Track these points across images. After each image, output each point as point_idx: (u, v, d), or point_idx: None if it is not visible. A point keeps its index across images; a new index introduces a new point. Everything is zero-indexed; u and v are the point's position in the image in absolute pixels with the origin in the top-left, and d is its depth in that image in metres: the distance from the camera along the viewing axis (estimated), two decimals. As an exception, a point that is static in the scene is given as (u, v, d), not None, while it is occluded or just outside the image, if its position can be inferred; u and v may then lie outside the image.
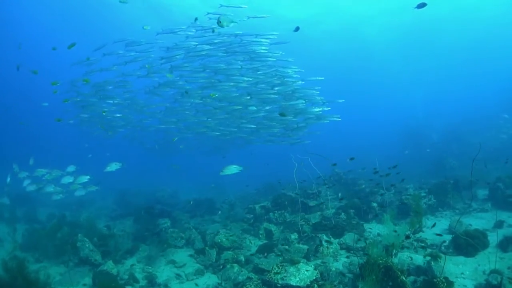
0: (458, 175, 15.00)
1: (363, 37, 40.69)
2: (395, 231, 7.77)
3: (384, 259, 6.07)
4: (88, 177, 12.31)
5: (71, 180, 12.20)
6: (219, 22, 7.11)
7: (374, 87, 59.58)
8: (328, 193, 13.29)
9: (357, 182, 15.80)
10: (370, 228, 10.46)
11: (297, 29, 11.90)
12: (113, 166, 11.29)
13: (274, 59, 13.70)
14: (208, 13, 12.71)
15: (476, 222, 10.15)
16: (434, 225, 8.97)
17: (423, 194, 12.51)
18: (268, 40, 13.36)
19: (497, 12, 35.35)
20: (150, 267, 9.04)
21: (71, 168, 12.56)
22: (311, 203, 12.39)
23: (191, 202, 14.49)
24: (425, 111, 39.97)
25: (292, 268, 6.36)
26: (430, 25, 37.72)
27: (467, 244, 7.70)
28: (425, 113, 37.51)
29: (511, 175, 12.57)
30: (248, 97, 14.23)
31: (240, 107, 14.72)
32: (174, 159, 24.39)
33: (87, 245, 9.37)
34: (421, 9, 10.72)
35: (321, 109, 14.35)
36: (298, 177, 11.24)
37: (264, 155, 24.58)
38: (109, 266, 8.63)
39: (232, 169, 9.48)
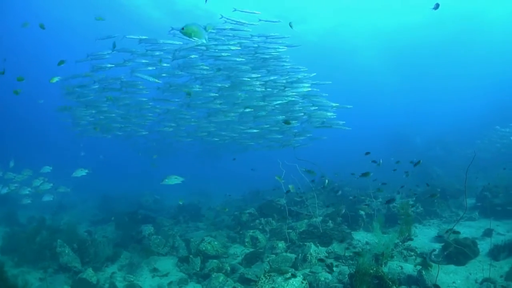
0: (445, 183, 15.03)
1: (353, 48, 41.33)
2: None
3: (375, 269, 5.88)
4: (51, 184, 12.01)
5: (38, 184, 11.87)
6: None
7: (361, 96, 60.21)
8: (316, 200, 13.10)
9: (344, 190, 15.68)
10: (364, 237, 10.28)
11: (290, 25, 12.19)
12: (79, 172, 11.00)
13: (288, 65, 13.93)
14: (221, 17, 12.72)
15: (464, 230, 10.07)
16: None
17: (410, 203, 12.44)
18: (285, 47, 13.47)
19: (494, 26, 36.34)
20: (131, 276, 8.70)
21: (46, 169, 12.17)
22: (298, 211, 12.20)
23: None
24: (411, 120, 40.48)
25: (280, 278, 6.11)
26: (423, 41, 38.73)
27: (457, 252, 7.59)
28: (410, 122, 37.97)
29: (498, 184, 12.63)
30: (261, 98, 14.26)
31: (251, 109, 14.58)
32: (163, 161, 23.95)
33: (66, 251, 9.00)
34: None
35: (332, 114, 14.51)
36: (286, 183, 11.05)
37: (251, 160, 24.30)
38: (89, 274, 8.25)
39: (173, 179, 9.42)
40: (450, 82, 55.47)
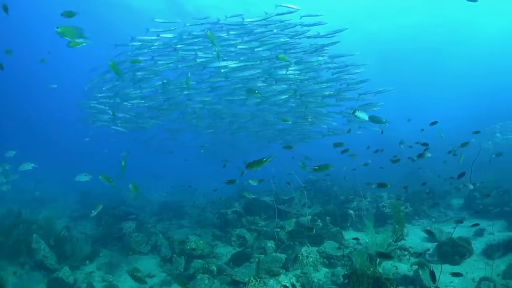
0: (433, 184, 14.93)
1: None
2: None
3: (372, 269, 5.57)
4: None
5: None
6: None
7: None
8: (307, 200, 12.78)
9: (332, 190, 15.41)
10: (354, 236, 10.02)
11: None
12: (26, 166, 10.60)
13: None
14: (277, 5, 13.03)
15: (455, 230, 9.87)
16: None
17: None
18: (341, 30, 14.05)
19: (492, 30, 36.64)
20: (110, 276, 8.21)
21: (9, 154, 11.71)
22: (286, 209, 11.86)
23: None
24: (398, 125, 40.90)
25: (271, 280, 5.72)
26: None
27: (452, 252, 7.39)
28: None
29: (487, 185, 12.53)
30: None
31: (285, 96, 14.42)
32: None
33: (42, 247, 8.47)
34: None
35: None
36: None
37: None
38: (65, 273, 7.75)
39: (83, 177, 9.28)
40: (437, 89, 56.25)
